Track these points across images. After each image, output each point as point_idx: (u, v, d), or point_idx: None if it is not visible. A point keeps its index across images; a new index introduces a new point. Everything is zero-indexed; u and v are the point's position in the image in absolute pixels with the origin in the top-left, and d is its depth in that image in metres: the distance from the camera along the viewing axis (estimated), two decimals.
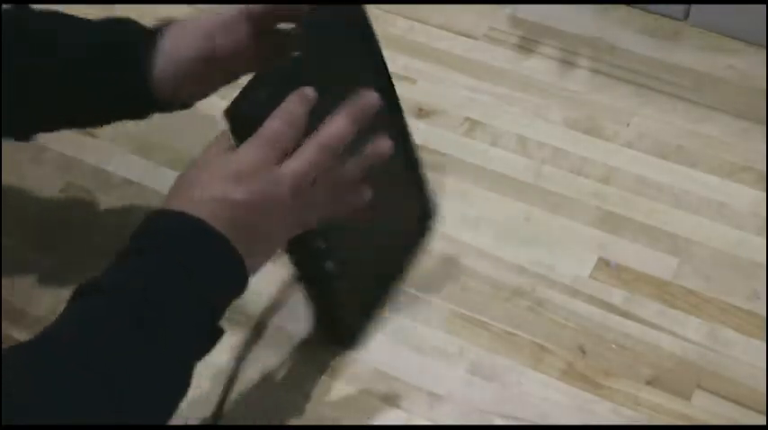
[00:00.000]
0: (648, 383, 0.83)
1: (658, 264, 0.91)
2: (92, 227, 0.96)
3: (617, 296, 0.89)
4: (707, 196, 0.97)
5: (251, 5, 0.77)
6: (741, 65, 1.09)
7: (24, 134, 0.85)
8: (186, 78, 0.79)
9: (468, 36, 1.13)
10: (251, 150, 0.68)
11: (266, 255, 0.72)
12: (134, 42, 0.79)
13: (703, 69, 1.08)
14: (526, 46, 1.12)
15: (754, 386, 0.83)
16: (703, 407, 0.82)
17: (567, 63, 1.10)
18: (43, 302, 0.89)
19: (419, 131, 1.03)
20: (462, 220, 0.95)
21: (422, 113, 1.05)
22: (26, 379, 0.58)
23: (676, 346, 0.86)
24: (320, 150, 0.69)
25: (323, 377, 0.84)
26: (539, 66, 1.10)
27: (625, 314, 0.88)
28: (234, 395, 0.83)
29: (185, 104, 0.83)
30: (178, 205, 0.67)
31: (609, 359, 0.85)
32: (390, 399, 0.83)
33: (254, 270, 0.70)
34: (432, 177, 0.96)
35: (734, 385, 0.83)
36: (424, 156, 0.92)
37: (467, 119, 1.05)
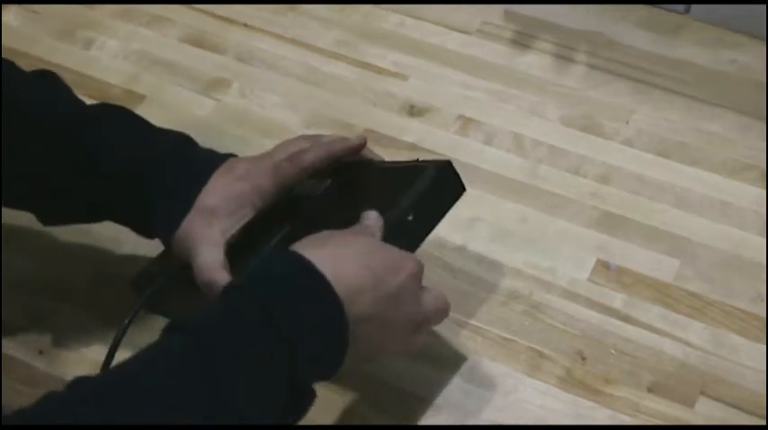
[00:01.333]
0: (650, 390, 0.84)
1: (659, 266, 0.92)
2: (88, 235, 0.94)
3: (617, 299, 0.90)
4: (709, 195, 0.97)
5: (284, 172, 0.81)
6: (744, 59, 1.09)
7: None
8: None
9: (462, 31, 1.14)
10: (412, 260, 0.71)
11: (358, 361, 0.71)
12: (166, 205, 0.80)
13: (705, 64, 1.09)
14: (521, 41, 1.12)
15: (759, 392, 0.83)
16: (707, 414, 0.82)
17: (564, 58, 1.10)
18: (12, 307, 0.89)
19: (411, 130, 1.05)
20: (456, 222, 0.94)
21: (414, 111, 1.06)
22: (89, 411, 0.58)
23: (678, 351, 0.86)
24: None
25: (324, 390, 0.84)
26: (534, 61, 1.10)
27: (625, 318, 0.89)
28: None
29: None
30: (318, 258, 0.67)
31: (609, 365, 0.86)
32: (380, 407, 0.83)
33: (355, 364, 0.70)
34: None
35: (738, 391, 0.84)
36: (415, 155, 0.91)
37: (460, 116, 1.05)
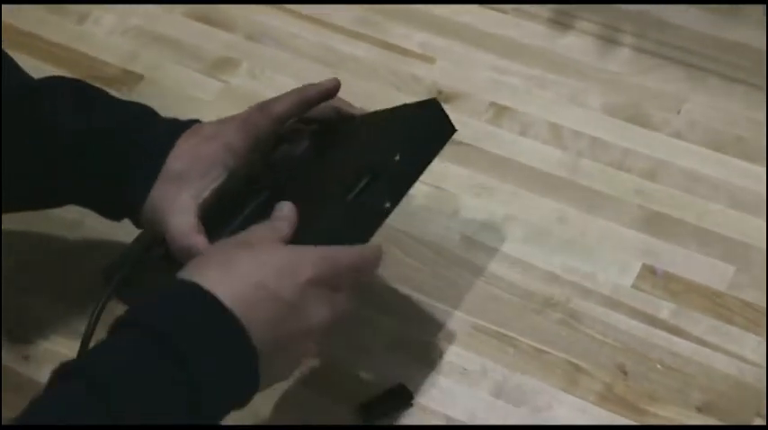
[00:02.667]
0: (700, 410, 0.83)
1: (711, 272, 0.91)
2: (67, 228, 0.95)
3: (663, 309, 0.89)
4: None
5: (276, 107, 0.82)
6: None
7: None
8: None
9: (496, 9, 1.13)
10: (316, 258, 0.70)
11: (284, 373, 0.71)
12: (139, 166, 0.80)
13: (765, 49, 1.08)
14: (561, 21, 1.12)
15: None
16: None
17: (608, 40, 1.10)
18: (5, 309, 0.88)
19: None
20: (487, 221, 0.95)
21: (442, 97, 1.05)
22: None
23: (732, 368, 0.85)
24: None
25: (324, 398, 0.84)
26: (575, 43, 1.10)
27: (673, 330, 0.88)
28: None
29: None
30: (207, 281, 0.66)
31: (654, 381, 0.85)
32: (402, 423, 0.83)
33: (267, 386, 0.69)
34: (452, 170, 0.96)
35: None
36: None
37: (493, 104, 1.05)
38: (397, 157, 0.75)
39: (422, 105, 0.81)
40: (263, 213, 0.74)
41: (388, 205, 0.74)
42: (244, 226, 0.76)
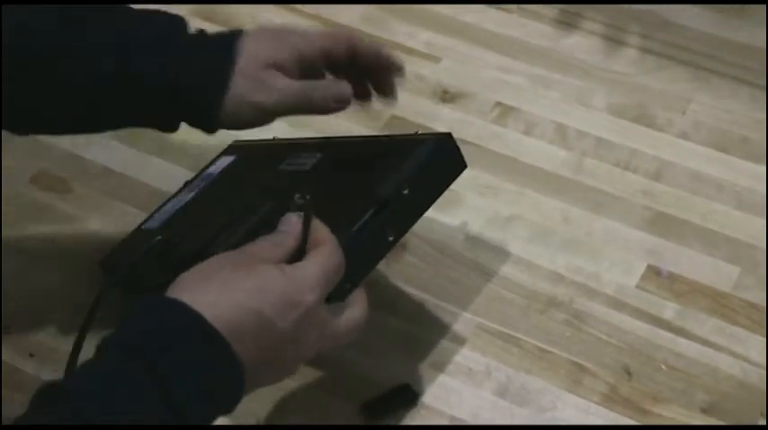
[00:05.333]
0: (704, 411, 0.83)
1: (716, 273, 0.91)
2: (66, 221, 0.96)
3: (668, 309, 0.89)
4: None
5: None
6: None
7: (27, 130, 0.85)
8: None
9: (501, 8, 1.14)
10: (313, 281, 0.69)
11: (272, 381, 0.71)
12: (205, 85, 0.78)
13: None
14: (566, 20, 1.12)
15: None
16: None
17: (614, 40, 1.10)
18: (9, 307, 0.89)
19: (442, 117, 1.04)
20: (491, 220, 0.95)
21: (446, 97, 1.05)
22: None
23: (736, 369, 0.85)
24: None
25: (328, 397, 0.84)
26: (581, 43, 1.10)
27: (677, 330, 0.88)
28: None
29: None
30: (202, 305, 0.65)
31: (658, 382, 0.85)
32: (406, 423, 0.83)
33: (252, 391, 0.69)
34: None
35: None
36: None
37: (498, 103, 1.05)
38: (406, 191, 0.75)
39: (437, 140, 0.80)
40: (267, 224, 0.74)
41: (391, 238, 0.74)
42: (247, 236, 0.75)
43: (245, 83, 0.77)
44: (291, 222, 0.72)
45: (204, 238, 0.79)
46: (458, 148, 0.79)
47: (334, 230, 0.71)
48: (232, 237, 0.78)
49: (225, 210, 0.81)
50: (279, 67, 0.78)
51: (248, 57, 0.78)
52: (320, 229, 0.71)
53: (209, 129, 0.80)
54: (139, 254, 0.79)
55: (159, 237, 0.79)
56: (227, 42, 0.79)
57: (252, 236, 0.73)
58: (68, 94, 0.78)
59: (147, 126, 0.81)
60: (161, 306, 0.66)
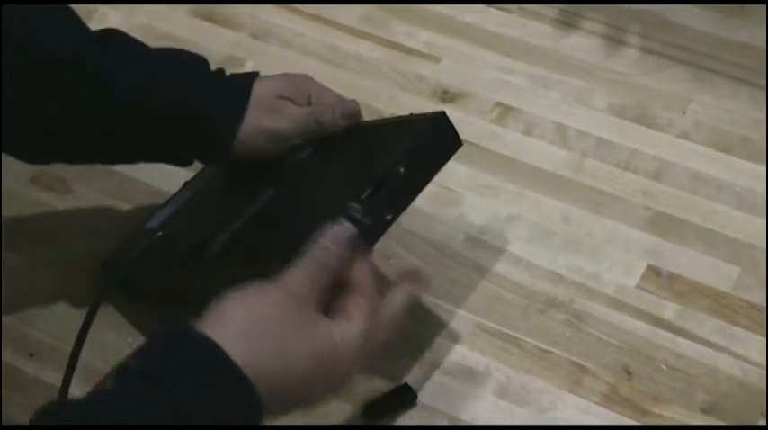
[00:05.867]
0: (704, 411, 0.83)
1: (717, 273, 0.91)
2: (66, 224, 0.96)
3: (668, 310, 0.89)
4: None
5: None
6: None
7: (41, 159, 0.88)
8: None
9: (501, 8, 1.13)
10: (357, 353, 0.67)
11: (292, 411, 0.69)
12: (219, 115, 0.83)
13: None
14: (566, 20, 1.12)
15: None
16: None
17: (614, 40, 1.10)
18: (9, 307, 0.89)
19: None
20: (491, 220, 0.95)
21: (446, 97, 1.05)
22: None
23: (737, 369, 0.85)
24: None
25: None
26: (581, 43, 1.10)
27: (677, 331, 0.88)
28: None
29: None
30: (233, 349, 0.62)
31: (658, 382, 0.85)
32: (406, 423, 0.83)
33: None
34: (457, 170, 0.96)
35: None
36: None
37: (498, 104, 1.05)
38: (402, 170, 0.75)
39: (431, 118, 0.80)
40: (266, 213, 0.73)
41: (389, 217, 0.74)
42: (247, 225, 0.75)
43: (259, 111, 0.84)
44: (337, 239, 0.69)
45: (204, 233, 0.79)
46: (452, 126, 0.79)
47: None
48: (233, 224, 0.79)
49: (224, 206, 0.82)
50: (290, 99, 0.85)
51: (262, 89, 0.85)
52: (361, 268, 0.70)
53: (223, 157, 0.84)
54: (139, 252, 0.80)
55: (159, 234, 0.80)
56: (245, 79, 0.85)
57: (254, 222, 0.74)
58: (88, 120, 0.81)
59: (161, 157, 0.86)
60: (201, 352, 0.62)
